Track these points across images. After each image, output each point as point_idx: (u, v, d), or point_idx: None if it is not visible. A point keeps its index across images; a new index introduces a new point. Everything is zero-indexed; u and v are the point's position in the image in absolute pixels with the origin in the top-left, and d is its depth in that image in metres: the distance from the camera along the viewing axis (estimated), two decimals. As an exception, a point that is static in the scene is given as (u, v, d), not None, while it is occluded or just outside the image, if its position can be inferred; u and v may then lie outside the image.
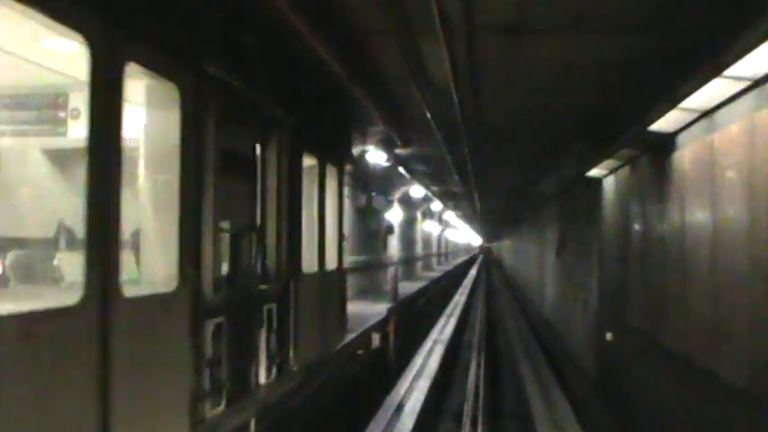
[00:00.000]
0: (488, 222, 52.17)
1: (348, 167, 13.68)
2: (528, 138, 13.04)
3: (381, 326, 14.62)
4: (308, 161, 8.80)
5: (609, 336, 11.65)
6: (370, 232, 20.02)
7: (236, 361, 6.31)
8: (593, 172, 12.36)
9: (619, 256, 11.22)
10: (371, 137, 12.59)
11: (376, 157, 14.08)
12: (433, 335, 20.90)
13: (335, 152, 10.01)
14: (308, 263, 8.51)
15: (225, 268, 6.65)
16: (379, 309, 15.47)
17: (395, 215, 24.21)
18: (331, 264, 9.65)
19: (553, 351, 18.63)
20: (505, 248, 69.91)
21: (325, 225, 9.09)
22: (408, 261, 29.81)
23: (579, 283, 15.67)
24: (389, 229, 22.89)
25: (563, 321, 18.52)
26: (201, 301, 5.40)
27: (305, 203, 8.54)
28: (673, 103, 6.76)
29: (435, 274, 35.34)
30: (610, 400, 11.56)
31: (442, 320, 25.16)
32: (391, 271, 17.67)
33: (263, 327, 6.97)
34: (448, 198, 29.05)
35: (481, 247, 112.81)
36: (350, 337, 10.89)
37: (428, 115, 10.54)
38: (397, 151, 14.88)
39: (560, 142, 12.71)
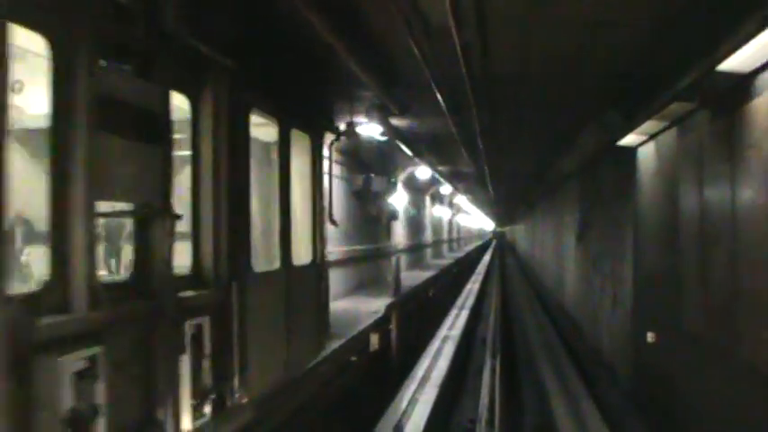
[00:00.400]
0: (501, 206, 50.02)
1: (332, 141, 11.69)
2: (548, 100, 10.89)
3: (380, 325, 12.65)
4: (268, 129, 6.80)
5: (650, 337, 9.59)
6: (371, 218, 17.98)
7: (134, 407, 4.33)
8: (627, 140, 10.26)
9: (663, 242, 9.14)
10: (360, 103, 10.52)
11: (369, 129, 12.01)
12: (443, 331, 18.91)
13: (307, 116, 7.99)
14: (265, 257, 6.54)
15: (121, 268, 4.70)
16: (378, 305, 13.50)
17: (399, 199, 22.16)
18: (303, 257, 7.65)
19: (577, 350, 16.56)
20: (519, 233, 67.73)
21: (290, 208, 7.07)
22: (416, 249, 27.78)
23: (607, 273, 13.58)
24: (393, 215, 20.83)
25: (587, 316, 16.44)
26: (33, 329, 3.40)
27: (260, 180, 6.55)
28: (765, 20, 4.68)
29: (446, 261, 33.32)
30: (652, 417, 9.52)
31: (453, 312, 23.16)
32: (393, 261, 15.64)
33: (187, 351, 5.00)
34: (458, 180, 26.93)
35: (494, 231, 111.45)
36: (334, 345, 8.92)
37: (427, 74, 8.52)
38: (395, 123, 12.82)
39: (587, 103, 10.58)
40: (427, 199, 31.15)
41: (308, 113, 7.93)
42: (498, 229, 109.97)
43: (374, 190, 16.99)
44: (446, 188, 29.15)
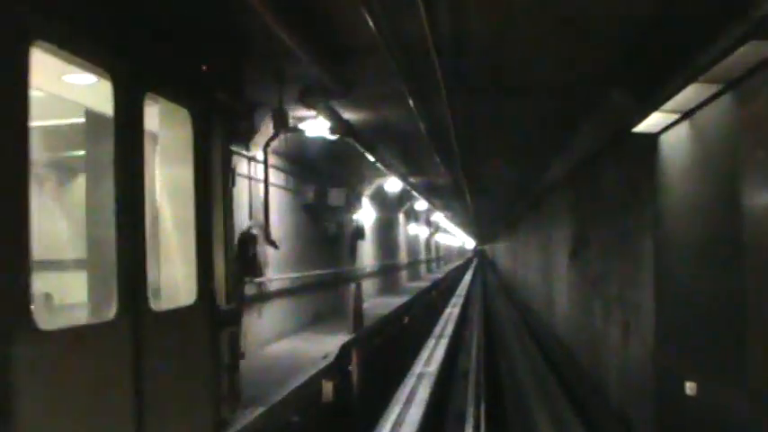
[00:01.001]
0: (482, 223, 47.62)
1: (268, 140, 9.14)
2: (536, 75, 8.35)
3: (335, 370, 10.00)
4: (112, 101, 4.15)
5: (690, 388, 7.01)
6: (329, 237, 15.35)
7: None
8: (646, 124, 7.75)
9: (710, 260, 6.59)
10: (292, 82, 7.92)
11: (317, 125, 9.41)
12: (418, 367, 16.25)
13: (188, 82, 5.27)
14: (90, 300, 3.89)
15: None
16: (334, 344, 10.83)
17: (366, 216, 19.56)
18: (179, 295, 4.96)
19: (575, 387, 13.96)
20: (501, 251, 65.34)
21: (142, 220, 4.33)
22: (389, 271, 25.12)
23: (615, 297, 11.04)
24: (358, 234, 18.22)
25: (584, 344, 13.87)
26: None
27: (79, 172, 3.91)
28: None
29: (423, 284, 30.67)
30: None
31: (430, 343, 20.52)
32: (352, 288, 13.00)
33: None
34: (434, 195, 24.39)
35: (475, 249, 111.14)
36: (251, 415, 6.23)
37: (374, 31, 6.01)
38: (346, 116, 10.26)
39: (590, 77, 8.05)
40: (401, 216, 28.57)
41: (190, 79, 5.26)
42: (479, 248, 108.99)
43: (332, 204, 14.41)
44: (421, 204, 26.58)
